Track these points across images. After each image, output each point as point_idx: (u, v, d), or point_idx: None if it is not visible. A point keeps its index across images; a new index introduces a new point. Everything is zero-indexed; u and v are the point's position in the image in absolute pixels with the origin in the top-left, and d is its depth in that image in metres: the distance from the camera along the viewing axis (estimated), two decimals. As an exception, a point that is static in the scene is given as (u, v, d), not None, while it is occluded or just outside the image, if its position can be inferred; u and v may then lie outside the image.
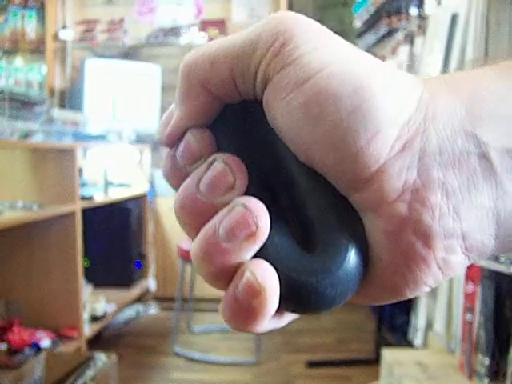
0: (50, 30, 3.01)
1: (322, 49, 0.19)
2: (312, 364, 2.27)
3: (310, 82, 0.18)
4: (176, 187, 0.21)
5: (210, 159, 0.20)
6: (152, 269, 3.07)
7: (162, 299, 3.07)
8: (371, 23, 2.52)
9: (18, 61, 2.99)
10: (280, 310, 0.19)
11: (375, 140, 0.18)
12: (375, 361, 2.10)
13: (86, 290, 2.22)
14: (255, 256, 0.19)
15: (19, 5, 2.96)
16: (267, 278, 0.18)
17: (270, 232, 0.19)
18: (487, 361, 1.30)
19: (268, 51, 0.19)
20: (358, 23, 2.81)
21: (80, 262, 2.09)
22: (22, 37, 2.95)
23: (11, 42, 2.95)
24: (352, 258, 0.19)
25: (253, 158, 0.21)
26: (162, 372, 2.22)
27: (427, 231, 0.18)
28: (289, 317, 0.21)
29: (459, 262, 0.19)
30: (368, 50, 2.63)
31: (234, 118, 0.22)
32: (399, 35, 2.08)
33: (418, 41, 1.84)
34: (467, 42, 1.37)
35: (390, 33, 2.22)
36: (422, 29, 1.82)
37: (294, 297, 0.19)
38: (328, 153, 0.18)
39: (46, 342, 1.88)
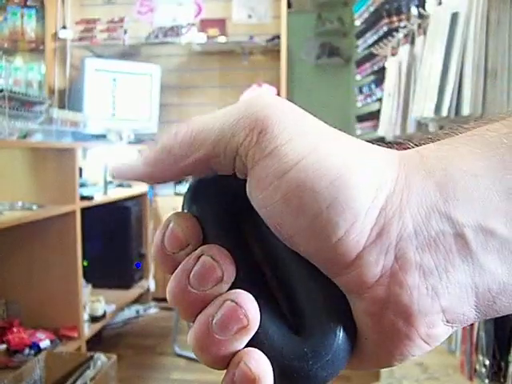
0: (49, 30, 3.01)
1: (297, 139, 0.19)
2: (312, 364, 2.27)
3: (288, 175, 0.19)
4: (168, 272, 0.22)
5: (198, 252, 0.20)
6: (152, 269, 3.06)
7: (162, 299, 3.06)
8: (371, 23, 2.52)
9: (18, 60, 2.98)
10: None
11: (353, 229, 0.18)
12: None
13: (85, 290, 2.22)
14: (248, 344, 0.20)
15: (19, 4, 2.96)
16: (261, 366, 0.19)
17: (260, 320, 0.20)
18: (487, 361, 1.30)
19: (245, 139, 0.20)
20: (358, 22, 2.80)
21: (80, 262, 2.09)
22: (21, 36, 2.95)
23: (11, 42, 2.95)
24: (341, 341, 0.20)
25: (238, 242, 0.22)
26: (162, 372, 2.22)
27: (407, 311, 0.19)
28: None
29: (442, 333, 0.19)
30: (368, 50, 2.62)
31: (215, 199, 0.22)
32: (399, 35, 2.08)
33: (419, 40, 1.84)
34: (467, 41, 1.37)
35: (390, 32, 2.22)
36: (423, 28, 1.81)
37: (286, 381, 0.20)
38: (309, 242, 0.19)
39: (45, 342, 1.88)
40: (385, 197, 0.19)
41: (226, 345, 0.19)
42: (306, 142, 0.19)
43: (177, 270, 0.21)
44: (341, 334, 0.20)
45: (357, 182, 0.19)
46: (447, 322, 0.19)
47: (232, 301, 0.19)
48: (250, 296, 0.20)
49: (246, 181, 0.21)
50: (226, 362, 0.20)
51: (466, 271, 0.18)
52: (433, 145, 0.21)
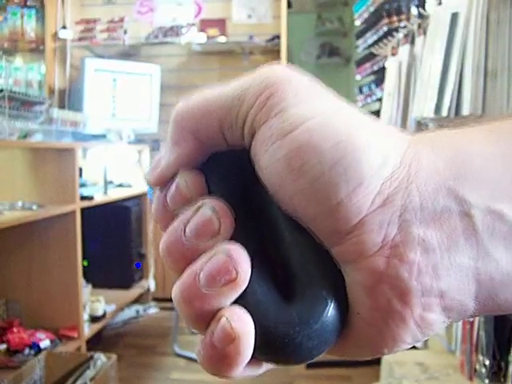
0: (49, 30, 3.01)
1: (305, 102, 0.19)
2: (311, 364, 2.27)
3: (292, 134, 0.19)
4: (165, 230, 0.21)
5: (198, 204, 0.20)
6: (152, 269, 3.06)
7: (162, 299, 3.06)
8: (371, 22, 2.52)
9: (18, 60, 2.98)
10: (256, 359, 0.19)
11: (356, 193, 0.18)
12: (375, 361, 2.10)
13: (85, 290, 2.22)
14: (234, 303, 0.19)
15: (19, 4, 2.96)
16: (242, 325, 0.18)
17: (250, 279, 0.19)
18: (487, 361, 1.30)
19: (255, 103, 0.20)
20: (358, 22, 2.80)
21: (80, 262, 2.09)
22: (21, 36, 2.95)
23: (11, 42, 2.95)
24: (330, 312, 0.19)
25: (240, 204, 0.21)
26: (162, 372, 2.22)
27: (404, 287, 0.18)
28: (265, 366, 0.21)
29: (438, 321, 0.18)
30: (368, 50, 2.63)
31: (224, 165, 0.22)
32: (399, 35, 2.08)
33: (419, 40, 1.84)
34: (467, 41, 1.37)
35: (390, 32, 2.22)
36: (423, 28, 1.81)
37: (269, 346, 0.19)
38: (309, 204, 0.19)
39: (45, 343, 1.88)
40: (392, 166, 0.18)
41: (211, 299, 0.18)
42: (314, 106, 0.19)
43: (174, 222, 0.20)
44: (332, 304, 0.19)
45: (363, 146, 0.18)
46: (444, 308, 0.18)
47: (224, 252, 0.18)
48: (244, 251, 0.19)
49: (246, 153, 0.21)
50: (209, 319, 0.19)
51: (470, 254, 0.18)
52: (444, 130, 0.21)
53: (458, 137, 0.20)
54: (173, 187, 0.21)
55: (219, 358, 0.18)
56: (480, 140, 0.19)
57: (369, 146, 0.18)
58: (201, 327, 0.19)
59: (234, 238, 0.20)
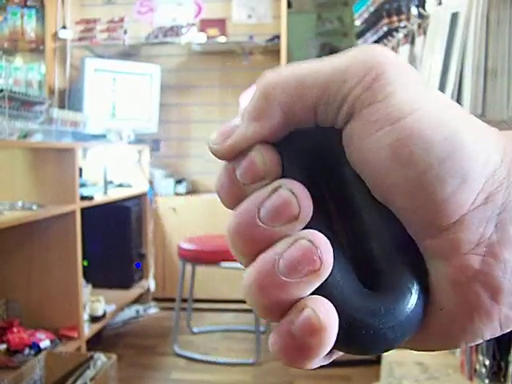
0: (49, 30, 3.01)
1: (412, 88, 0.19)
2: (312, 364, 2.27)
3: (402, 122, 0.18)
4: (229, 205, 0.20)
5: (276, 184, 0.19)
6: (152, 269, 3.06)
7: (162, 299, 3.06)
8: (371, 23, 2.52)
9: (18, 60, 2.98)
10: (333, 348, 0.19)
11: (461, 190, 0.18)
12: (375, 361, 2.10)
13: (85, 290, 2.22)
14: (314, 292, 0.18)
15: (19, 4, 2.96)
16: (329, 316, 0.17)
17: (332, 269, 0.18)
18: (487, 361, 1.30)
19: (359, 84, 0.19)
20: (358, 22, 2.80)
21: (80, 262, 2.09)
22: (21, 36, 2.95)
23: (11, 42, 2.95)
24: (416, 303, 0.19)
25: (317, 188, 0.20)
26: (162, 372, 2.22)
27: (497, 286, 0.18)
28: (336, 354, 0.21)
29: None
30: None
31: (304, 143, 0.21)
32: (399, 35, 2.08)
33: (419, 40, 1.84)
34: (467, 41, 1.37)
35: (390, 32, 2.22)
36: (423, 28, 1.81)
37: (352, 337, 0.18)
38: (411, 196, 0.18)
39: (45, 343, 1.88)
40: (494, 164, 0.18)
41: (292, 288, 0.17)
42: (421, 94, 0.19)
43: (245, 202, 0.19)
44: (416, 296, 0.19)
45: (470, 142, 0.18)
46: None
47: (308, 239, 0.18)
48: (326, 238, 0.18)
49: (339, 132, 0.20)
50: (283, 310, 0.18)
51: None
52: None
53: None
54: (246, 161, 0.20)
55: (300, 350, 0.18)
56: None
57: (475, 143, 0.18)
58: (275, 316, 0.18)
59: (311, 223, 0.19)
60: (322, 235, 0.18)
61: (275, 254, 0.18)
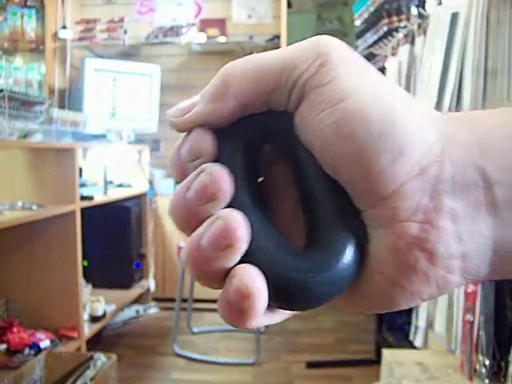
0: (49, 30, 3.01)
1: (355, 74, 0.21)
2: (311, 364, 2.27)
3: (344, 103, 0.20)
4: (177, 179, 0.22)
5: (200, 168, 0.21)
6: (152, 269, 3.06)
7: (162, 299, 3.06)
8: (371, 23, 2.52)
9: (18, 60, 2.98)
10: (271, 307, 0.21)
11: (398, 162, 0.20)
12: (375, 361, 2.10)
13: (85, 290, 2.22)
14: (243, 259, 0.20)
15: (19, 4, 2.96)
16: (253, 281, 0.19)
17: (257, 235, 0.20)
18: (487, 361, 1.30)
19: (307, 69, 0.21)
20: (358, 22, 2.80)
21: (80, 262, 2.09)
22: (21, 36, 2.95)
23: (11, 42, 2.95)
24: (347, 262, 0.20)
25: (249, 169, 0.22)
26: (162, 372, 2.22)
27: (433, 250, 0.20)
28: (282, 314, 0.23)
29: (455, 282, 0.21)
30: (368, 50, 2.62)
31: (254, 125, 0.23)
32: (399, 35, 2.08)
33: (419, 40, 1.84)
34: (467, 41, 1.37)
35: (390, 32, 2.22)
36: (423, 28, 1.81)
37: (281, 293, 0.20)
38: (353, 169, 0.20)
39: (45, 343, 1.88)
40: (430, 141, 0.20)
41: (217, 262, 0.20)
42: (363, 79, 0.21)
43: (180, 185, 0.22)
44: (350, 256, 0.20)
45: (407, 121, 0.20)
46: (463, 271, 0.20)
47: (222, 218, 0.20)
48: (240, 216, 0.20)
49: (290, 115, 0.22)
50: (220, 278, 0.20)
51: (489, 223, 0.20)
52: (473, 111, 0.23)
53: (485, 119, 0.22)
54: (188, 141, 0.22)
55: (237, 313, 0.20)
56: (503, 122, 0.21)
57: (411, 122, 0.20)
58: (214, 285, 0.21)
59: (236, 201, 0.21)
60: (237, 213, 0.20)
61: (199, 232, 0.20)
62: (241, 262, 0.20)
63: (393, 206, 0.20)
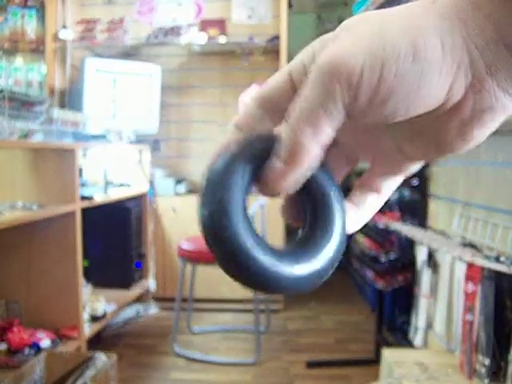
0: (49, 30, 3.01)
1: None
2: (312, 364, 2.27)
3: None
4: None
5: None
6: (152, 269, 3.06)
7: (162, 299, 3.07)
8: (371, 23, 2.52)
9: (18, 60, 2.98)
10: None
11: (443, 87, 0.23)
12: (375, 361, 2.10)
13: (85, 290, 2.22)
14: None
15: (19, 4, 2.96)
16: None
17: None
18: (487, 361, 1.30)
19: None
20: (358, 23, 2.80)
21: (80, 262, 2.09)
22: (21, 36, 2.95)
23: (11, 42, 2.95)
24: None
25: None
26: (162, 372, 2.22)
27: (492, 105, 0.24)
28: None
29: (483, 136, 0.25)
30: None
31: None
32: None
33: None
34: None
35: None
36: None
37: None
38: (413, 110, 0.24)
39: (45, 342, 1.88)
40: (451, 35, 0.22)
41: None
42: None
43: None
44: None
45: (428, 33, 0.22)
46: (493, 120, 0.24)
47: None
48: None
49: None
50: None
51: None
52: None
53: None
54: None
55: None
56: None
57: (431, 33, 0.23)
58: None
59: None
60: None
61: None
62: None
63: (448, 107, 0.24)
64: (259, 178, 0.26)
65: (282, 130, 0.25)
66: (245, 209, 0.26)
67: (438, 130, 0.25)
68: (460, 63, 0.23)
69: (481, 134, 0.25)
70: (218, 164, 0.26)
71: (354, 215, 0.30)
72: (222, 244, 0.25)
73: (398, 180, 0.30)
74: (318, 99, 0.23)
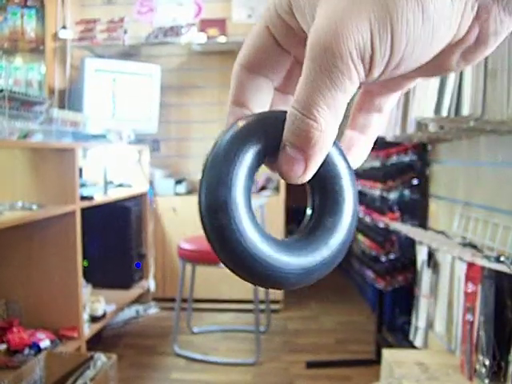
0: (49, 30, 3.01)
1: None
2: (311, 364, 2.27)
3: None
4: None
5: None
6: (152, 269, 3.06)
7: (162, 299, 3.06)
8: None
9: (18, 60, 2.98)
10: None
11: (450, 34, 0.22)
12: (375, 361, 2.10)
13: (85, 290, 2.22)
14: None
15: (19, 4, 2.96)
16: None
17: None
18: (487, 361, 1.30)
19: None
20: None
21: (80, 262, 2.09)
22: (21, 36, 2.95)
23: (11, 42, 2.95)
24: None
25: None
26: (162, 372, 2.22)
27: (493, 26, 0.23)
28: None
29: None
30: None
31: None
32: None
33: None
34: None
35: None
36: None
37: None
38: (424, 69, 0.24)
39: (45, 342, 1.88)
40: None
41: None
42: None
43: None
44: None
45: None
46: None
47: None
48: None
49: None
50: None
51: None
52: None
53: None
54: None
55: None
56: None
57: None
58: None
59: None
60: None
61: None
62: None
63: (455, 45, 0.23)
64: (272, 161, 0.24)
65: (291, 114, 0.23)
66: (249, 196, 0.24)
67: (441, 58, 0.24)
68: (467, 0, 0.22)
69: (484, 54, 0.24)
70: (222, 139, 0.23)
71: (361, 143, 0.28)
72: (219, 234, 0.22)
73: (397, 96, 0.29)
74: (326, 79, 0.21)
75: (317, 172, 0.24)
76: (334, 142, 0.25)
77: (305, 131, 0.22)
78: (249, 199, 0.24)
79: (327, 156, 0.24)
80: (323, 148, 0.23)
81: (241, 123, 0.24)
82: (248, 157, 0.23)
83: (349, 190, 0.25)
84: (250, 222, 0.23)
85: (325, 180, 0.25)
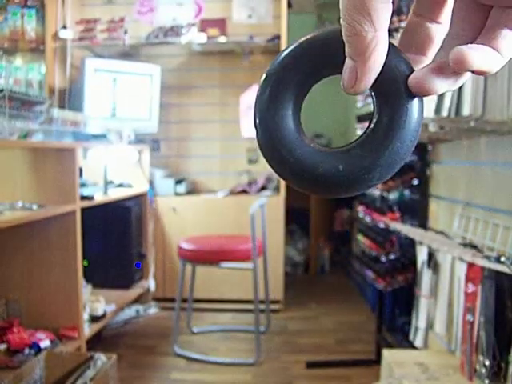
0: (49, 30, 3.01)
1: None
2: (311, 365, 2.27)
3: None
4: None
5: None
6: (152, 269, 3.06)
7: (162, 299, 3.06)
8: (371, 23, 2.51)
9: (18, 60, 2.98)
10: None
11: None
12: (375, 361, 2.10)
13: (85, 290, 2.22)
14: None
15: (19, 4, 2.95)
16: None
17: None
18: (488, 361, 1.30)
19: None
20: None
21: (80, 262, 2.09)
22: (21, 36, 2.95)
23: (11, 42, 2.95)
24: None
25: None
26: (162, 372, 2.22)
27: None
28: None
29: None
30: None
31: None
32: (399, 35, 2.08)
33: (419, 41, 1.84)
34: (468, 41, 1.36)
35: (390, 32, 2.22)
36: (423, 29, 1.81)
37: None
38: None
39: (45, 342, 1.88)
40: None
41: None
42: None
43: None
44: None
45: None
46: None
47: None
48: None
49: None
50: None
51: None
52: None
53: None
54: None
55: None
56: None
57: None
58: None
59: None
60: None
61: None
62: None
63: None
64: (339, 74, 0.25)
65: (342, 26, 0.24)
66: (298, 110, 0.27)
67: None
68: None
69: None
70: (283, 54, 0.26)
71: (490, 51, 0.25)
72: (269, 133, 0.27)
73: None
74: None
75: (377, 79, 0.25)
76: (394, 48, 0.25)
77: (351, 40, 0.23)
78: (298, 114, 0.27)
79: (385, 62, 0.25)
80: (372, 55, 0.23)
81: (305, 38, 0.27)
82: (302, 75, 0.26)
83: (408, 93, 0.25)
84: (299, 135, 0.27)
85: (383, 85, 0.25)
